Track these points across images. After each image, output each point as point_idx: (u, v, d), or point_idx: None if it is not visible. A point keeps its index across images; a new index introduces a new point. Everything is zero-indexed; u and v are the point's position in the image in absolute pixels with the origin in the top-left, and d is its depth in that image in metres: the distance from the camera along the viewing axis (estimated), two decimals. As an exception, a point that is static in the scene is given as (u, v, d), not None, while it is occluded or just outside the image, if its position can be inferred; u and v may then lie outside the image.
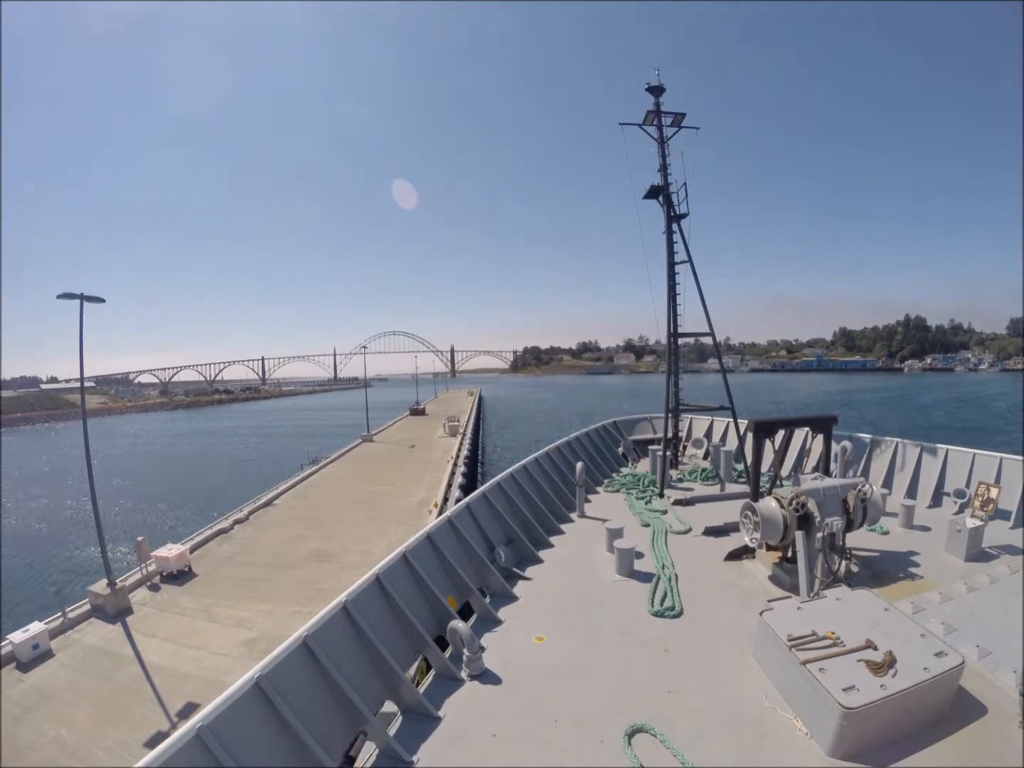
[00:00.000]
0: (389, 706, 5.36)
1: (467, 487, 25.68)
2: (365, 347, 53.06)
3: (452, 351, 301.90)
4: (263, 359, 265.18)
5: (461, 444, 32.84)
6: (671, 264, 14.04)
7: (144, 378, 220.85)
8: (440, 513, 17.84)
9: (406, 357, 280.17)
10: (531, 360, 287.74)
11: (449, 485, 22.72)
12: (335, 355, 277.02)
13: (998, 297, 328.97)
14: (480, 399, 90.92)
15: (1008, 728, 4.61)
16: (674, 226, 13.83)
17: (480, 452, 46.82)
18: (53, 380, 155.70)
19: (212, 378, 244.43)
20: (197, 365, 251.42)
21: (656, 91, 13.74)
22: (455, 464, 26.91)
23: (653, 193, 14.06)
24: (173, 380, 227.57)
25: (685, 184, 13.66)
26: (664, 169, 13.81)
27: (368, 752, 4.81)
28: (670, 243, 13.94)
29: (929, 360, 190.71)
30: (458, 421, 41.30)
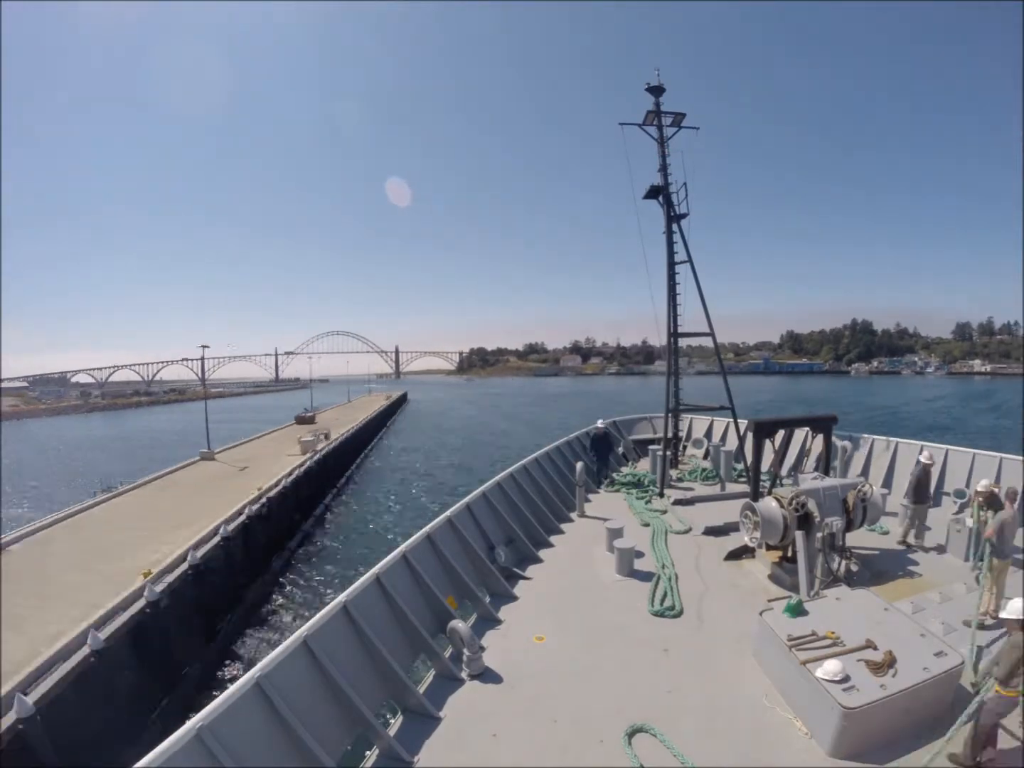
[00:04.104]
0: (389, 706, 5.35)
1: (266, 520, 18.52)
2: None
3: (397, 352, 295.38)
4: (203, 359, 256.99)
5: (303, 464, 25.81)
6: (671, 264, 14.06)
7: (82, 378, 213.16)
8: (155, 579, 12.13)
9: (350, 357, 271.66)
10: (477, 361, 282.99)
11: (216, 532, 15.39)
12: (276, 355, 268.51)
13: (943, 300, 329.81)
14: (398, 403, 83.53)
15: (1008, 728, 4.60)
16: (674, 226, 13.87)
17: (352, 469, 36.62)
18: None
19: (150, 378, 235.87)
20: (135, 364, 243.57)
21: (656, 91, 13.77)
22: (255, 500, 19.01)
23: (653, 193, 14.08)
24: (110, 380, 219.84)
25: (685, 184, 13.73)
26: (664, 169, 13.85)
27: (368, 752, 4.80)
28: (670, 243, 13.97)
29: (876, 363, 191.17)
30: (318, 436, 33.66)
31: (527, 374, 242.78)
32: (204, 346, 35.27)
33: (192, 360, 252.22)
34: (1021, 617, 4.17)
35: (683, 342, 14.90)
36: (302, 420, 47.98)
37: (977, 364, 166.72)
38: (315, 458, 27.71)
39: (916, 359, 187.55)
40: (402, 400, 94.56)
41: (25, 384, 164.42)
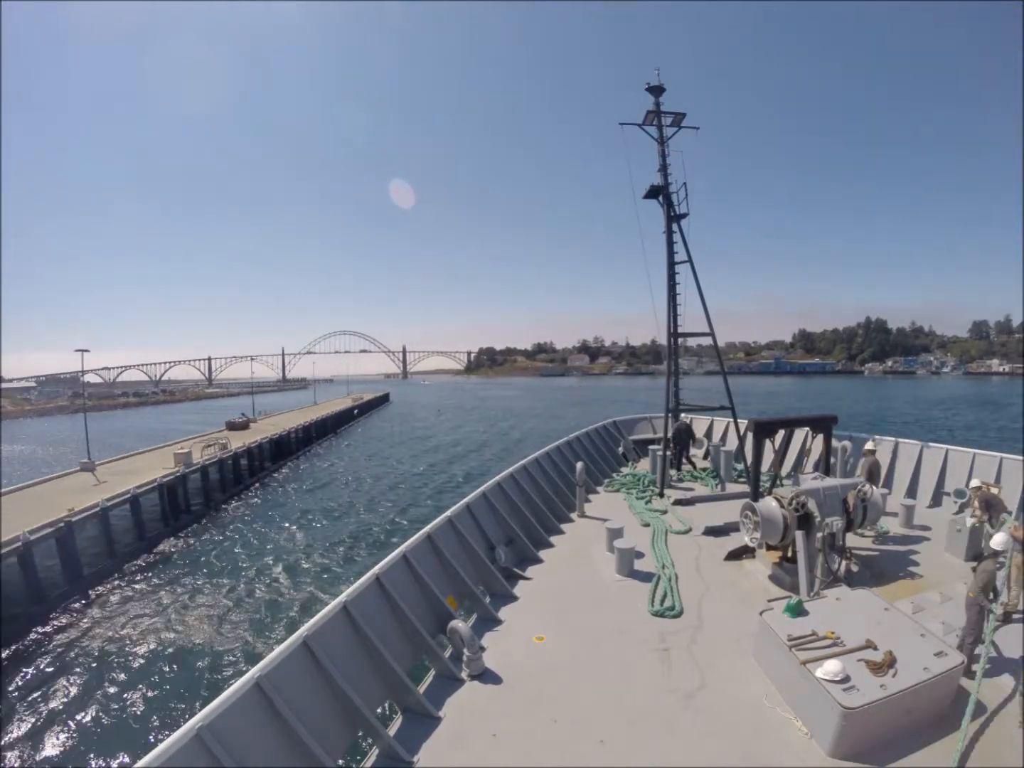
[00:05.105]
0: (389, 706, 5.35)
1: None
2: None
3: (404, 351, 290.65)
4: (209, 359, 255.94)
5: (153, 482, 21.62)
6: (671, 264, 14.06)
7: (93, 378, 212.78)
8: None
9: (358, 357, 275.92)
10: (485, 361, 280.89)
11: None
12: (283, 355, 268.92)
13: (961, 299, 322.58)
14: (371, 404, 79.32)
15: (1008, 728, 4.62)
16: (674, 226, 13.87)
17: (250, 485, 30.06)
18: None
19: (158, 378, 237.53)
20: (142, 365, 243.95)
21: (656, 91, 13.78)
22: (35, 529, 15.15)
23: (653, 193, 14.08)
24: (118, 380, 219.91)
25: (685, 184, 13.73)
26: (664, 169, 13.84)
27: (368, 752, 4.80)
28: (670, 243, 13.97)
29: (890, 363, 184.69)
30: (215, 444, 29.06)
31: (534, 374, 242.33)
32: (82, 350, 31.36)
33: (198, 360, 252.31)
34: (1001, 549, 5.53)
35: (692, 342, 14.93)
36: (233, 426, 42.49)
37: (995, 364, 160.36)
38: (182, 472, 24.45)
39: (932, 358, 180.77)
40: (381, 400, 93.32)
41: (33, 384, 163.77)
